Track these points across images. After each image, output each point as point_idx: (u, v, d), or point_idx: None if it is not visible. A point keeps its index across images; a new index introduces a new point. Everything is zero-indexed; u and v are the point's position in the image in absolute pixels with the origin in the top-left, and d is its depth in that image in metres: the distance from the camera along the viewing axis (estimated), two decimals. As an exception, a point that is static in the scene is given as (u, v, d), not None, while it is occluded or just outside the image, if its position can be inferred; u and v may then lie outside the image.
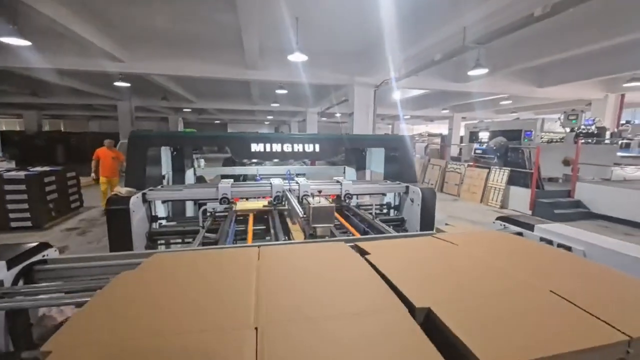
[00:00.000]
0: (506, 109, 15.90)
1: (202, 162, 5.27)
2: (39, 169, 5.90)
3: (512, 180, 7.81)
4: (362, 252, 1.11)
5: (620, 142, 7.47)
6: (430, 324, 0.64)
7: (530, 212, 7.33)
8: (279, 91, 10.20)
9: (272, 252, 1.12)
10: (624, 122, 11.42)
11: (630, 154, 7.05)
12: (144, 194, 2.78)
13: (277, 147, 3.32)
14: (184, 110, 18.25)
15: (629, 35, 5.78)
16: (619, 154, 7.22)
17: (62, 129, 26.32)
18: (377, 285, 0.81)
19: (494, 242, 1.34)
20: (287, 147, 3.36)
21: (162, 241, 3.00)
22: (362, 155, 4.91)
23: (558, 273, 0.94)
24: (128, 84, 9.34)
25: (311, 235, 1.75)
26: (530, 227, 1.77)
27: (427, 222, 3.15)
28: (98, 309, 0.73)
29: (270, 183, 3.07)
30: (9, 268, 1.31)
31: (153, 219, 3.03)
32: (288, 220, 2.83)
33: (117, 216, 2.51)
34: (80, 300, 1.30)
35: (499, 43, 5.29)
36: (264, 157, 3.37)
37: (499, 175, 8.07)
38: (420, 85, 9.16)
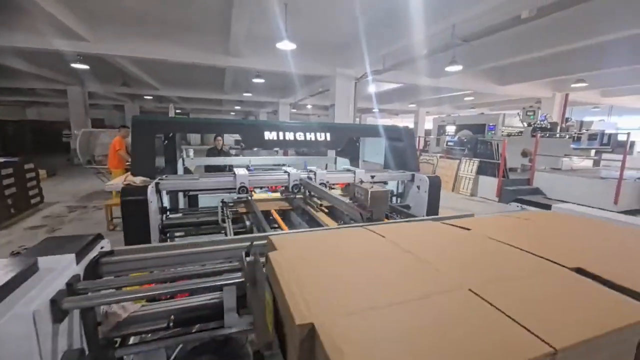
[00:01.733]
0: (467, 104, 17.06)
1: (192, 152, 5.01)
2: (-9, 160, 5.16)
3: (481, 170, 8.48)
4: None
5: (573, 135, 8.44)
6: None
7: (497, 199, 8.05)
8: (256, 80, 9.90)
9: (380, 231, 1.15)
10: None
11: (580, 147, 8.04)
12: (157, 184, 2.60)
13: (289, 136, 3.27)
14: (145, 97, 16.93)
15: (578, 43, 6.52)
16: (572, 146, 8.17)
17: (-8, 116, 23.00)
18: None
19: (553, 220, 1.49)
20: (300, 136, 3.33)
21: (177, 234, 2.85)
22: (355, 146, 5.02)
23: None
24: (87, 67, 8.41)
25: (368, 219, 1.79)
26: (548, 207, 1.99)
27: (433, 209, 3.34)
28: (302, 285, 0.71)
29: (288, 172, 3.04)
30: (77, 261, 1.19)
31: (163, 210, 2.86)
32: (309, 208, 2.84)
33: (134, 207, 2.34)
34: (153, 294, 1.23)
35: (469, 44, 5.64)
36: (277, 145, 3.31)
37: (469, 166, 8.71)
38: (397, 80, 9.47)
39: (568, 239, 1.16)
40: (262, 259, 0.99)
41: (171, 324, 1.41)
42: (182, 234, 2.99)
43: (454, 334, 0.56)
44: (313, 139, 3.41)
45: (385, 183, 4.00)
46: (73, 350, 1.04)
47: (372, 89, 11.23)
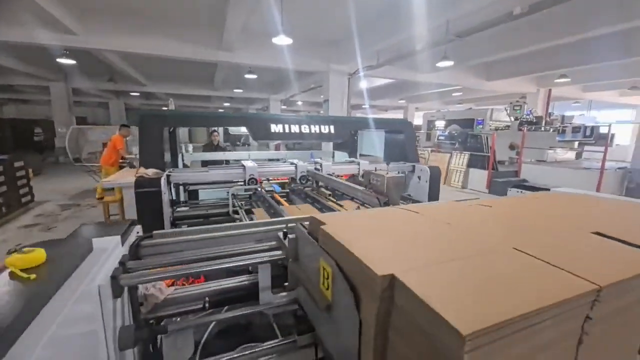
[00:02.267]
0: (455, 100, 17.42)
1: (190, 147, 5.01)
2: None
3: (471, 163, 8.74)
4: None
5: (557, 128, 8.79)
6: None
7: (487, 191, 8.32)
8: (248, 76, 9.84)
9: (412, 209, 1.24)
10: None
11: (565, 139, 8.41)
12: (167, 176, 2.63)
13: (295, 128, 3.33)
14: (131, 94, 16.53)
15: (563, 39, 6.78)
16: (557, 139, 8.53)
17: (-34, 114, 21.88)
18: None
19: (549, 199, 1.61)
20: (305, 128, 3.39)
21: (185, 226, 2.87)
22: (353, 140, 5.11)
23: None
24: (73, 62, 8.17)
25: (385, 204, 1.88)
26: (547, 190, 2.13)
27: (434, 198, 3.48)
28: (367, 248, 0.78)
29: (295, 164, 3.11)
30: (122, 243, 1.23)
31: (173, 202, 2.88)
32: (318, 196, 2.91)
33: (149, 199, 2.36)
34: (196, 271, 1.29)
35: (460, 40, 5.80)
36: (283, 137, 3.35)
37: (460, 159, 8.96)
38: (389, 75, 9.60)
39: (578, 210, 1.29)
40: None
41: (207, 305, 1.47)
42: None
43: (515, 278, 0.65)
44: (318, 131, 3.47)
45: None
46: (127, 327, 1.09)
47: (363, 84, 11.33)
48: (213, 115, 3.09)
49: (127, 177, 5.32)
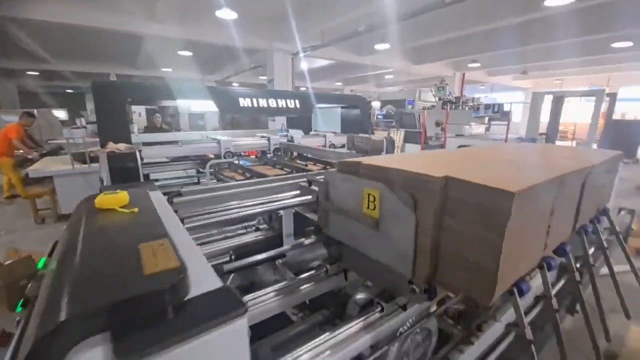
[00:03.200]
0: (388, 82, 18.71)
1: (136, 127, 4.59)
2: None
3: (406, 139, 9.71)
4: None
5: (473, 106, 10.28)
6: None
7: (421, 163, 9.39)
8: (182, 53, 9.09)
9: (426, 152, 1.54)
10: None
11: (479, 115, 9.98)
12: (139, 151, 2.50)
13: (263, 103, 3.38)
14: (28, 73, 13.74)
15: (475, 28, 7.91)
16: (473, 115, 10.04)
17: None
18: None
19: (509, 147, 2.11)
20: (272, 103, 3.46)
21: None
22: (307, 117, 5.30)
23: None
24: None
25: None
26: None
27: (389, 164, 3.94)
28: (418, 167, 1.03)
29: (268, 137, 3.20)
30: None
31: (146, 178, 2.75)
32: (296, 164, 3.08)
33: (126, 176, 2.26)
34: (228, 217, 1.42)
35: (395, 25, 6.36)
36: (252, 111, 3.38)
37: (397, 135, 9.88)
38: (331, 56, 9.88)
39: (524, 151, 1.76)
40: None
41: (233, 257, 1.60)
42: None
43: (514, 172, 0.99)
44: (284, 105, 3.58)
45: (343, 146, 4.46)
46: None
47: (304, 65, 11.43)
48: (179, 88, 2.91)
49: (55, 165, 4.67)
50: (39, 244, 3.61)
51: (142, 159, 2.53)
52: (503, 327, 1.32)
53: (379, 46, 7.91)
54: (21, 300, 0.77)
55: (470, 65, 11.59)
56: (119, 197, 0.86)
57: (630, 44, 9.23)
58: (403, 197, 1.00)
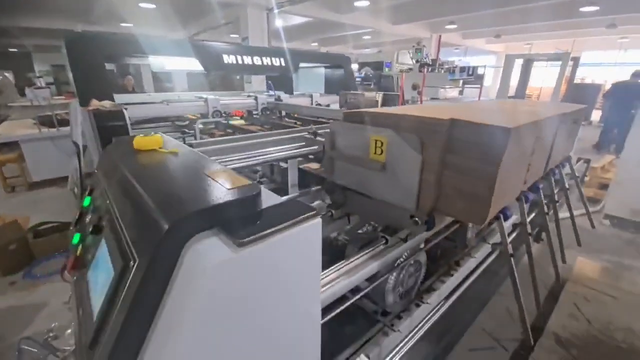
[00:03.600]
0: (365, 43, 18.23)
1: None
2: None
3: (385, 102, 9.79)
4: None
5: (449, 69, 10.43)
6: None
7: (398, 126, 9.60)
8: (144, 4, 8.26)
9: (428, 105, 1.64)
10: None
11: (454, 78, 10.18)
12: (126, 109, 2.42)
13: (247, 60, 3.29)
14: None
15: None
16: (449, 78, 10.22)
17: None
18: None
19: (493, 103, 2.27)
20: (257, 60, 3.37)
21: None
22: (288, 78, 5.19)
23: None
24: None
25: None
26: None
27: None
28: (424, 113, 1.14)
29: (256, 96, 3.15)
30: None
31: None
32: (286, 123, 3.11)
33: (116, 134, 2.19)
34: (241, 165, 1.49)
35: None
36: (236, 69, 3.28)
37: (376, 98, 9.93)
38: (309, 13, 9.40)
39: (507, 105, 1.93)
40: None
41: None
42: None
43: (509, 116, 1.13)
44: (269, 63, 3.50)
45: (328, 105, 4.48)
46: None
47: (279, 23, 10.81)
48: (160, 43, 2.72)
49: (20, 130, 4.32)
50: (16, 212, 3.46)
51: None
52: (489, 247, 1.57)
53: (359, 3, 7.63)
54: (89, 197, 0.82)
55: (447, 27, 11.54)
56: (156, 139, 0.90)
57: (596, 8, 9.57)
58: (412, 140, 1.11)
